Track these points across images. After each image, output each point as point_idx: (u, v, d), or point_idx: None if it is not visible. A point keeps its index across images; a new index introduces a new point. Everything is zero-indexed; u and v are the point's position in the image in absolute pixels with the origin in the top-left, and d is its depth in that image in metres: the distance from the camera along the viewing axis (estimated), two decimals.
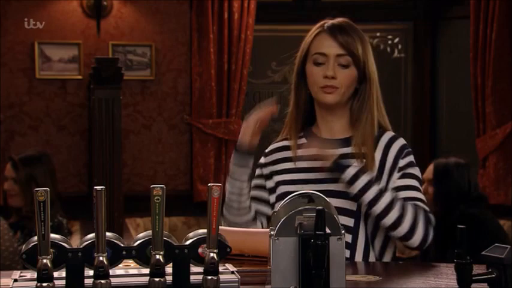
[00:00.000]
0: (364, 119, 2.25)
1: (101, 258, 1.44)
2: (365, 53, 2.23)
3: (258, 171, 2.40)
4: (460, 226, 1.52)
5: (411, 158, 2.28)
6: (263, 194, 2.37)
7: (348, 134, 2.29)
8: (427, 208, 2.22)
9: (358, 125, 2.25)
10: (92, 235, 1.49)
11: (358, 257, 2.20)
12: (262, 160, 2.39)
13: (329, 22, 2.27)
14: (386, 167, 2.24)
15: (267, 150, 2.40)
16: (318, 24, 2.28)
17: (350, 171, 2.18)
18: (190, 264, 1.52)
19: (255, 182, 2.39)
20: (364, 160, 2.21)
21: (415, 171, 2.27)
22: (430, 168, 3.97)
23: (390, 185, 2.22)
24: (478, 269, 1.56)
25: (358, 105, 2.26)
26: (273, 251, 1.50)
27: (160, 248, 1.46)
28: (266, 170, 2.37)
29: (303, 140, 2.32)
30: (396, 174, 2.24)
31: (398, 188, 2.22)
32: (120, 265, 1.55)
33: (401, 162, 2.25)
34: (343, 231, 1.50)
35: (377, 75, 2.28)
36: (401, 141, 2.28)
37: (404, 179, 2.24)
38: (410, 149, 2.29)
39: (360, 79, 2.25)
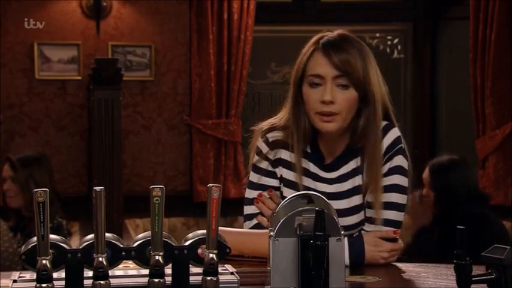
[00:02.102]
0: (370, 139, 2.07)
1: (100, 259, 1.44)
2: (366, 70, 2.03)
3: (264, 164, 2.18)
4: (459, 227, 1.52)
5: (399, 159, 2.09)
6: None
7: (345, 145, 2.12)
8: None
9: (365, 141, 2.08)
10: (91, 236, 1.49)
11: None
12: (265, 149, 2.17)
13: (324, 38, 2.07)
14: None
15: (270, 139, 2.17)
16: (313, 40, 2.09)
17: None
18: (190, 265, 1.52)
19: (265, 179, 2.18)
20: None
21: (397, 178, 2.08)
22: (426, 171, 3.96)
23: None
24: (477, 270, 1.56)
25: (362, 127, 2.07)
26: (272, 252, 1.50)
27: (160, 249, 1.46)
28: (274, 167, 2.19)
29: (308, 148, 2.15)
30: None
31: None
32: (120, 266, 1.55)
33: (385, 167, 2.08)
34: (342, 232, 1.51)
35: (382, 88, 2.10)
36: (393, 134, 2.12)
37: (384, 194, 2.07)
38: (401, 145, 2.10)
39: (361, 99, 2.05)
